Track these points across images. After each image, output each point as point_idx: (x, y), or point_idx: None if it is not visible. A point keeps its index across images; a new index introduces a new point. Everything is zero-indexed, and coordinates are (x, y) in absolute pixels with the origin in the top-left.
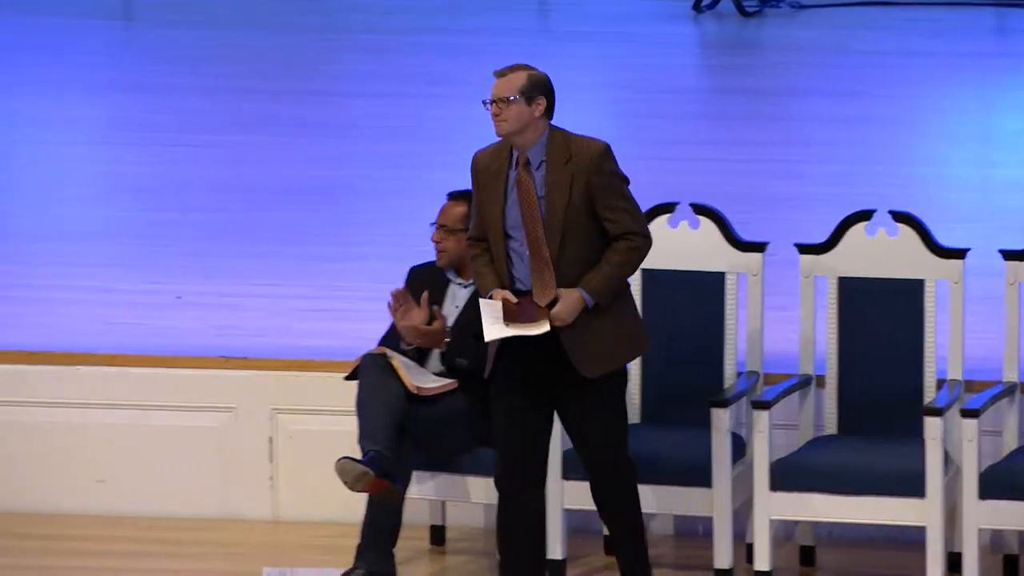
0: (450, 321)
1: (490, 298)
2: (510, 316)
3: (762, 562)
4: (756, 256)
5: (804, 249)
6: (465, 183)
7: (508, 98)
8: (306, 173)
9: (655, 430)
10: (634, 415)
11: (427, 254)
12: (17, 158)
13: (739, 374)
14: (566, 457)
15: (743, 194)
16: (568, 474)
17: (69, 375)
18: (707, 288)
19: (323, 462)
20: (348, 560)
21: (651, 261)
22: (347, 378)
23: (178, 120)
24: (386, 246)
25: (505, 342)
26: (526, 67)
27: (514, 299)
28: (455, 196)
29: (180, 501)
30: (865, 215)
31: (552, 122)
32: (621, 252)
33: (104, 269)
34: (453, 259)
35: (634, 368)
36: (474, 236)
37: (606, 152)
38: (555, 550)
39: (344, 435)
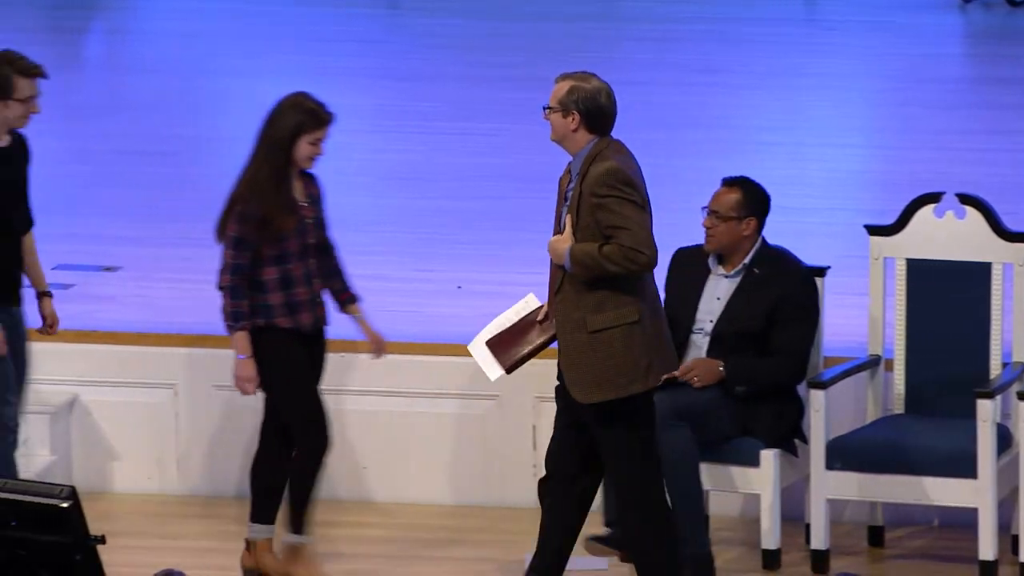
0: (712, 316)
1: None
2: (502, 336)
3: None
4: (1023, 247)
5: None
6: (734, 171)
7: (549, 106)
8: None
9: (919, 420)
10: (898, 405)
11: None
12: None
13: (1004, 364)
14: (829, 448)
15: (1011, 184)
16: (831, 464)
17: (337, 362)
18: (973, 278)
19: None
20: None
21: (916, 251)
22: None
23: (446, 108)
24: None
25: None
26: (579, 77)
27: (540, 316)
28: (729, 182)
29: (444, 489)
30: None
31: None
32: (614, 247)
33: (377, 257)
34: (723, 246)
35: (898, 357)
36: None
37: (604, 175)
38: (819, 540)
39: None
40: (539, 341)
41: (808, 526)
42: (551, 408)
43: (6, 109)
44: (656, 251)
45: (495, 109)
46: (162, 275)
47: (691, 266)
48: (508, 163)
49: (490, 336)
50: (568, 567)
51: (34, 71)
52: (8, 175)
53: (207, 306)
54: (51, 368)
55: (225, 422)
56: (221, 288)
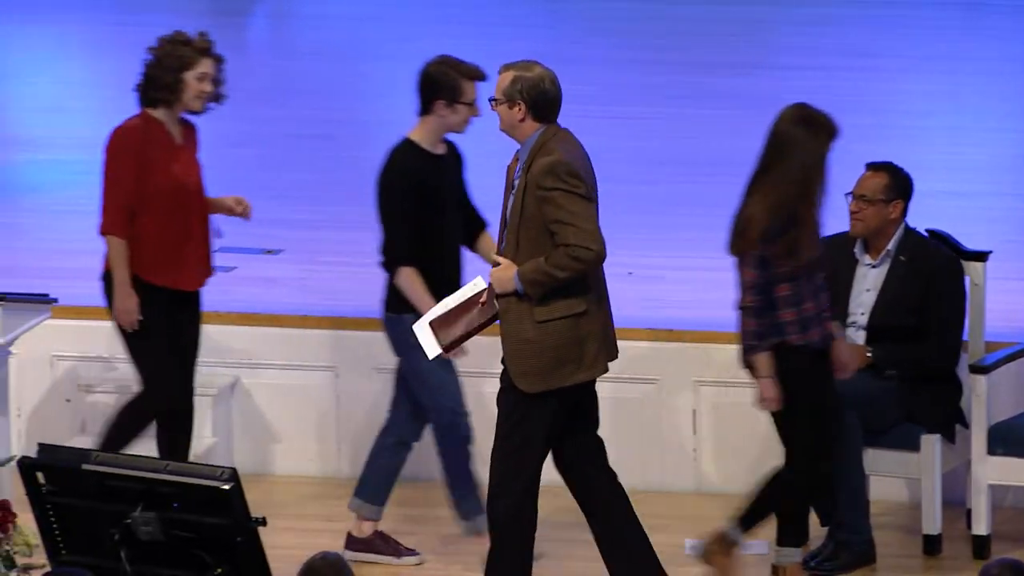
0: (864, 309)
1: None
2: (445, 316)
3: None
4: None
5: None
6: (893, 156)
7: (495, 97)
8: (738, 145)
9: None
10: None
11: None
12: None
13: None
14: (991, 433)
15: None
16: (993, 449)
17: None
18: None
19: (743, 434)
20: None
21: None
22: None
23: (609, 92)
24: None
25: None
26: (522, 66)
27: (483, 299)
28: (874, 167)
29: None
30: None
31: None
32: (559, 255)
33: None
34: (870, 230)
35: None
36: None
37: (546, 169)
38: (980, 526)
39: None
40: (478, 322)
41: (969, 511)
42: (709, 392)
43: (453, 114)
44: (603, 245)
45: (656, 93)
46: (324, 258)
47: (837, 256)
48: (665, 147)
49: (434, 316)
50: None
51: (477, 74)
52: (443, 182)
53: (368, 289)
54: (214, 350)
55: (386, 405)
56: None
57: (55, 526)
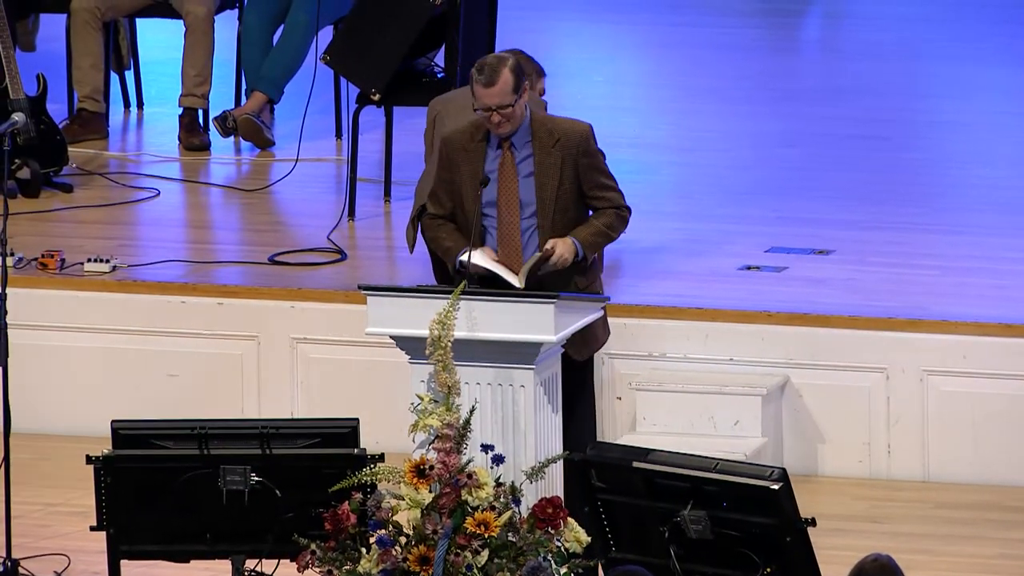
0: None
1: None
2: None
3: None
4: None
5: None
6: None
7: (509, 104)
8: None
9: None
10: None
11: None
12: (988, 129)
13: None
14: None
15: None
16: None
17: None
18: None
19: None
20: None
21: None
22: None
23: None
24: None
25: None
26: (504, 63)
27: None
28: None
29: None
30: None
31: None
32: (610, 215)
33: None
34: None
35: None
36: (434, 213)
37: (591, 133)
38: None
39: None
40: None
41: None
42: None
43: None
44: None
45: None
46: (872, 259)
47: None
48: None
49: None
50: None
51: None
52: None
53: (914, 290)
54: (764, 350)
55: (941, 408)
56: None
57: (605, 523)
